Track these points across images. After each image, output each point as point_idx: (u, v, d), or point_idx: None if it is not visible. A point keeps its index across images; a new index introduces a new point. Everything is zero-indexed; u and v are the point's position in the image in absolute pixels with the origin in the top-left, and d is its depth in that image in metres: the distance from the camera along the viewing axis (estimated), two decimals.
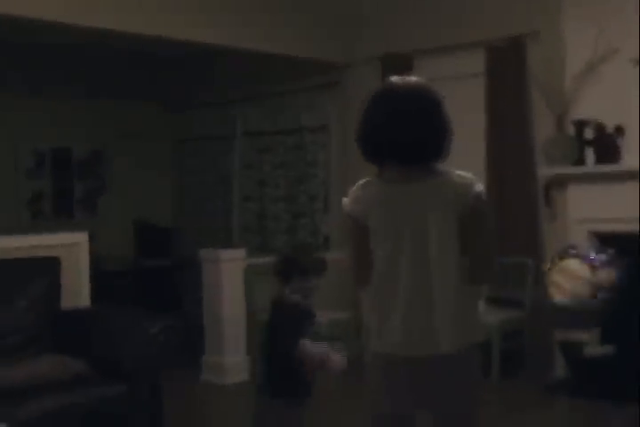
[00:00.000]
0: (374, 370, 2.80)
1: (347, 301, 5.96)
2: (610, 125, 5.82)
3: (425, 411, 2.79)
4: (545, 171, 6.16)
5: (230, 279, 6.29)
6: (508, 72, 6.42)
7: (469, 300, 2.72)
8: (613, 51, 5.78)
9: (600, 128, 5.87)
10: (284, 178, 8.13)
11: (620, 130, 5.80)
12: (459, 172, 2.72)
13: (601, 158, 5.87)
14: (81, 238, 5.28)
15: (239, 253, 6.47)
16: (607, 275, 5.55)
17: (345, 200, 2.80)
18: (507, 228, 6.41)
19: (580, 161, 5.97)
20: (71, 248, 5.13)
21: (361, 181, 2.79)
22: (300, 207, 7.95)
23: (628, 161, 5.77)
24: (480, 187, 2.69)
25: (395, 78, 2.75)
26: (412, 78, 2.76)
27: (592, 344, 5.88)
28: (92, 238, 5.49)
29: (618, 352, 5.67)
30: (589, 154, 5.95)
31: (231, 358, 6.29)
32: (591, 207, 5.94)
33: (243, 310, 6.33)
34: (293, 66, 7.48)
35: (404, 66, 6.77)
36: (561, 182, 6.14)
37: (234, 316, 6.28)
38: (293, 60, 7.20)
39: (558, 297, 5.74)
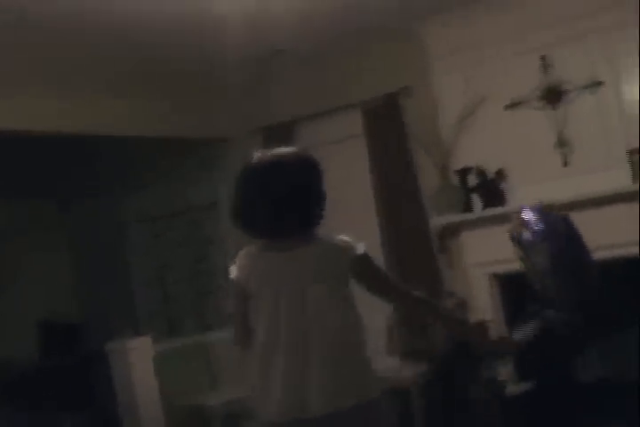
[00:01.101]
0: None
1: None
2: (491, 170, 5.98)
3: None
4: (436, 221, 6.25)
5: (140, 369, 6.15)
6: (386, 129, 6.54)
7: (356, 357, 2.75)
8: (483, 98, 5.97)
9: (482, 174, 6.01)
10: (183, 259, 8.08)
11: (500, 174, 5.96)
12: (337, 236, 2.80)
13: (487, 203, 6.00)
14: None
15: (146, 341, 6.34)
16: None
17: (231, 267, 2.86)
18: (408, 281, 6.45)
19: (468, 207, 6.09)
20: None
21: (243, 250, 2.86)
22: (204, 286, 7.89)
23: (513, 203, 5.92)
24: (362, 248, 2.77)
25: (258, 153, 2.84)
26: (278, 150, 2.85)
27: (511, 382, 5.92)
28: None
29: (537, 388, 5.72)
30: (476, 200, 6.08)
31: None
32: (485, 251, 6.05)
33: (158, 398, 6.19)
34: (176, 145, 7.47)
35: (285, 135, 6.86)
36: (453, 230, 6.24)
37: (149, 405, 6.12)
38: (175, 140, 7.20)
39: None
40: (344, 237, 2.80)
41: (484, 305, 6.14)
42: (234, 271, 2.84)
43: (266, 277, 2.76)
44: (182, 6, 5.25)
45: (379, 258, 6.40)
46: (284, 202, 2.70)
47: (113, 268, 8.66)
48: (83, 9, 5.03)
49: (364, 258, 2.76)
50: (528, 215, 4.43)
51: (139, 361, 6.15)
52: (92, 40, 5.68)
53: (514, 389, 5.80)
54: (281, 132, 6.93)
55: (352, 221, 6.08)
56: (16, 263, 8.67)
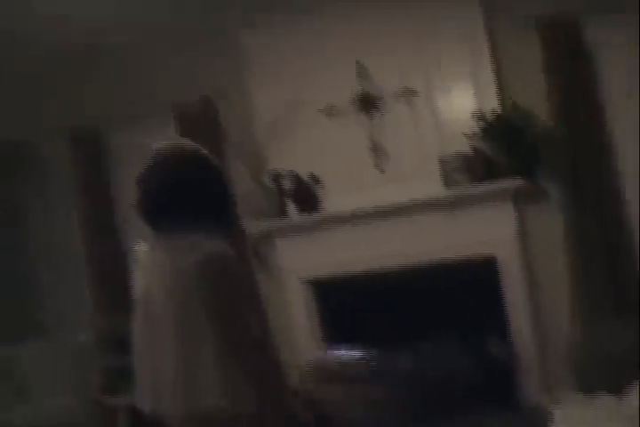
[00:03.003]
0: None
1: None
2: (306, 175, 5.98)
3: None
4: (250, 225, 6.17)
5: None
6: (201, 133, 6.38)
7: None
8: (298, 103, 5.96)
9: (296, 179, 5.99)
10: None
11: (315, 178, 5.96)
12: None
13: (302, 208, 5.99)
14: None
15: None
16: None
17: None
18: None
19: (283, 213, 6.06)
20: None
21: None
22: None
23: (327, 208, 5.95)
24: None
25: (161, 144, 2.73)
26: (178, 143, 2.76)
27: None
28: None
29: None
30: (291, 205, 6.06)
31: None
32: (299, 257, 6.05)
33: None
34: None
35: (93, 141, 6.66)
36: (268, 235, 6.19)
37: None
38: None
39: None
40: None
41: (299, 311, 6.15)
42: None
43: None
44: None
45: None
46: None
47: None
48: None
49: None
50: None
51: None
52: None
53: None
54: (88, 138, 6.73)
55: None
56: None
